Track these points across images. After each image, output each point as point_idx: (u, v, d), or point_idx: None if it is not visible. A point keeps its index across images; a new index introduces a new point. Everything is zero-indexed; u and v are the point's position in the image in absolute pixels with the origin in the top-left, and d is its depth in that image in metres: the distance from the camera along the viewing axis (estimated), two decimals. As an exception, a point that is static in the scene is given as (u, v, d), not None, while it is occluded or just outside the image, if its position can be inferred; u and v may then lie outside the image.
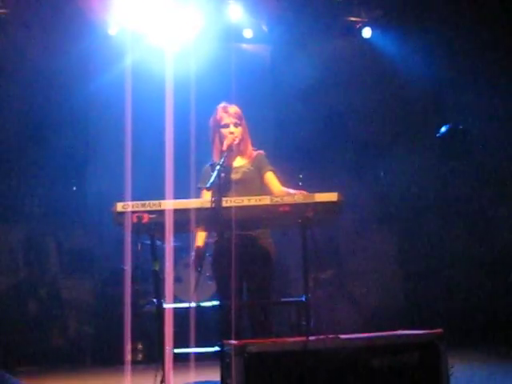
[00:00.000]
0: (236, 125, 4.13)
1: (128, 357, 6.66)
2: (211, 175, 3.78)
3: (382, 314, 7.57)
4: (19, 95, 7.46)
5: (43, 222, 7.73)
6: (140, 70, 6.57)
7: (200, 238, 4.16)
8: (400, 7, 7.51)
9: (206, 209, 3.60)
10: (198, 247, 4.15)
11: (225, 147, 4.02)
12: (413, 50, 7.69)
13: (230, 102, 4.26)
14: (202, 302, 4.58)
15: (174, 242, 4.17)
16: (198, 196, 4.13)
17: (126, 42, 6.86)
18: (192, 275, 4.34)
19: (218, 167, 3.80)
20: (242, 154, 4.19)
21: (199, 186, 4.18)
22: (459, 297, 7.48)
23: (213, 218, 3.60)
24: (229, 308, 3.76)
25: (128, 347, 6.15)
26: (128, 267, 4.32)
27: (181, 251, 6.41)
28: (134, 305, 5.28)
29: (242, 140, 4.14)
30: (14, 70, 7.41)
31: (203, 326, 4.53)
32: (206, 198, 3.88)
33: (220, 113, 4.16)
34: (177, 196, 3.96)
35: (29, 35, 7.15)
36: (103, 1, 6.89)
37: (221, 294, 4.04)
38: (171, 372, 3.76)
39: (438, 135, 7.90)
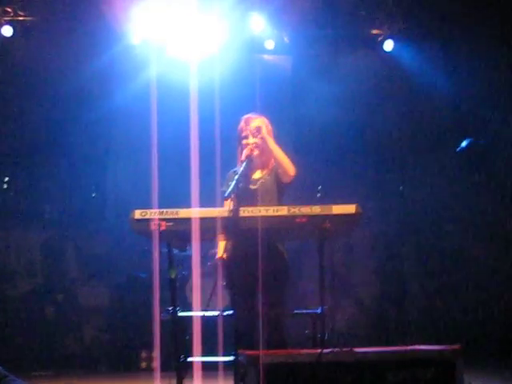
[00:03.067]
0: (255, 136, 4.14)
1: (143, 364, 6.69)
2: (229, 185, 3.79)
3: (400, 329, 7.51)
4: (41, 103, 7.53)
5: (62, 227, 7.79)
6: (163, 80, 6.62)
7: (221, 247, 4.15)
8: (422, 20, 7.49)
9: (224, 218, 3.60)
10: (220, 257, 4.12)
11: (243, 157, 4.04)
12: (434, 63, 7.66)
13: (255, 112, 4.27)
14: (219, 311, 4.59)
15: (190, 250, 4.18)
16: (222, 201, 4.13)
17: (150, 53, 6.93)
18: (210, 284, 4.35)
19: (236, 177, 3.82)
20: (263, 166, 4.19)
21: (223, 189, 4.18)
22: (479, 313, 7.40)
23: (230, 227, 3.60)
24: (243, 318, 3.75)
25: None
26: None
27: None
28: (150, 312, 5.30)
29: (263, 152, 4.14)
30: (36, 78, 7.50)
31: (220, 336, 4.53)
32: (227, 206, 3.88)
33: (241, 124, 4.20)
34: (202, 204, 3.98)
35: (53, 43, 7.24)
36: (127, 11, 6.96)
37: (235, 303, 4.03)
38: (185, 380, 3.76)
39: (458, 149, 7.86)
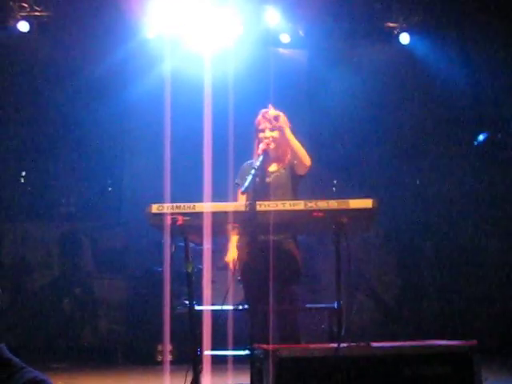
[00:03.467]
0: (272, 130, 4.14)
1: (160, 357, 6.72)
2: (246, 178, 3.79)
3: (417, 323, 7.49)
4: (58, 97, 7.58)
5: (78, 221, 7.84)
6: (178, 74, 6.63)
7: (233, 242, 4.16)
8: (438, 13, 7.43)
9: (241, 212, 3.61)
10: (234, 252, 4.14)
11: (259, 151, 4.04)
12: (451, 56, 7.61)
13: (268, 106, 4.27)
14: (235, 305, 4.60)
15: (208, 244, 4.19)
16: (235, 195, 4.15)
17: (164, 47, 6.94)
18: (225, 278, 4.36)
19: (252, 171, 3.82)
20: (279, 159, 4.20)
21: (237, 181, 4.19)
22: (497, 307, 7.36)
23: (246, 221, 3.61)
24: (257, 313, 3.75)
25: (165, 348, 6.19)
26: (165, 268, 4.36)
27: (214, 254, 6.43)
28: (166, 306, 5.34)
29: (279, 145, 4.14)
30: (52, 73, 7.54)
31: (236, 329, 4.55)
32: (243, 200, 3.89)
33: (259, 117, 4.21)
34: (214, 198, 3.99)
35: (69, 38, 7.27)
36: (141, 6, 6.96)
37: (249, 298, 4.04)
38: (201, 373, 3.78)
39: (476, 143, 7.80)
